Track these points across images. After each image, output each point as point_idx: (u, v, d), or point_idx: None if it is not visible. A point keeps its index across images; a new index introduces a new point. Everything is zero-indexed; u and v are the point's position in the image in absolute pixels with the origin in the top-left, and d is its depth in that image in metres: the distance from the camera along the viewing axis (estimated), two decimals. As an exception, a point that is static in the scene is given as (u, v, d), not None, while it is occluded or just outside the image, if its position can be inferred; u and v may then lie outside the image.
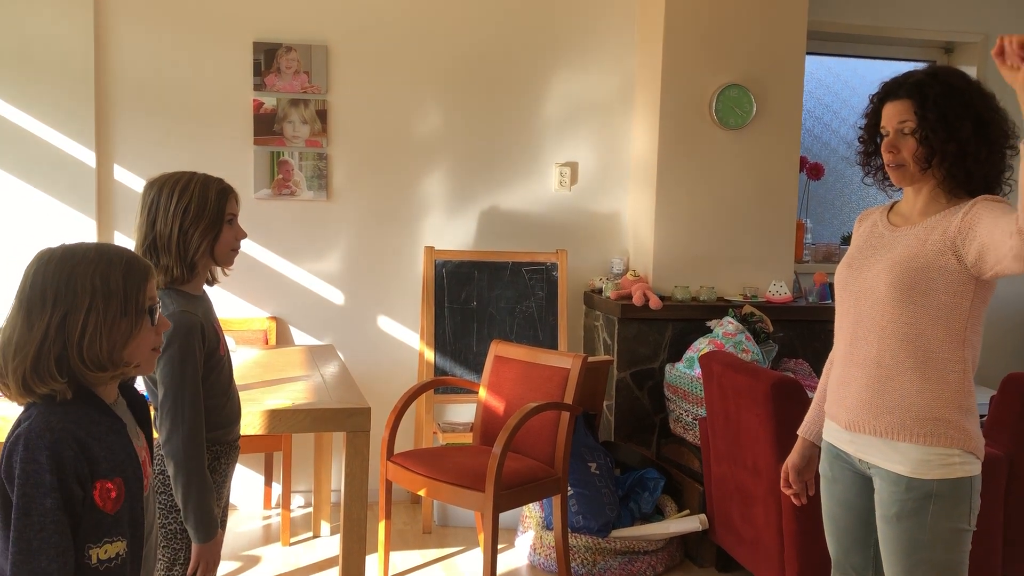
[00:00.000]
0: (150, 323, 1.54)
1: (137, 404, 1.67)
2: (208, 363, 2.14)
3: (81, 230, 3.95)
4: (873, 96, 2.08)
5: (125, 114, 4.04)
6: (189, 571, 2.05)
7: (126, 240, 4.03)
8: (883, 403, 1.99)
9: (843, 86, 4.96)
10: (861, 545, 2.14)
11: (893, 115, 2.00)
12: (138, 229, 2.19)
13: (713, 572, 3.66)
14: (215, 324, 2.23)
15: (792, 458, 2.30)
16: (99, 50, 3.98)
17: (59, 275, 1.47)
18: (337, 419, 2.81)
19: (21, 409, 1.52)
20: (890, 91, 2.03)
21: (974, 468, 1.96)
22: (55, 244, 1.54)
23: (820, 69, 4.89)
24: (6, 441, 1.47)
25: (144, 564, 1.59)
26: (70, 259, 1.49)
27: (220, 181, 2.23)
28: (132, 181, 4.05)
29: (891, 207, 2.14)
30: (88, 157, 3.96)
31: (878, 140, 2.07)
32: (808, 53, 4.39)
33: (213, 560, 2.06)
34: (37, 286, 1.47)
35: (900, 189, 2.10)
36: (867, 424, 2.02)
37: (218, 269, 2.28)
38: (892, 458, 1.98)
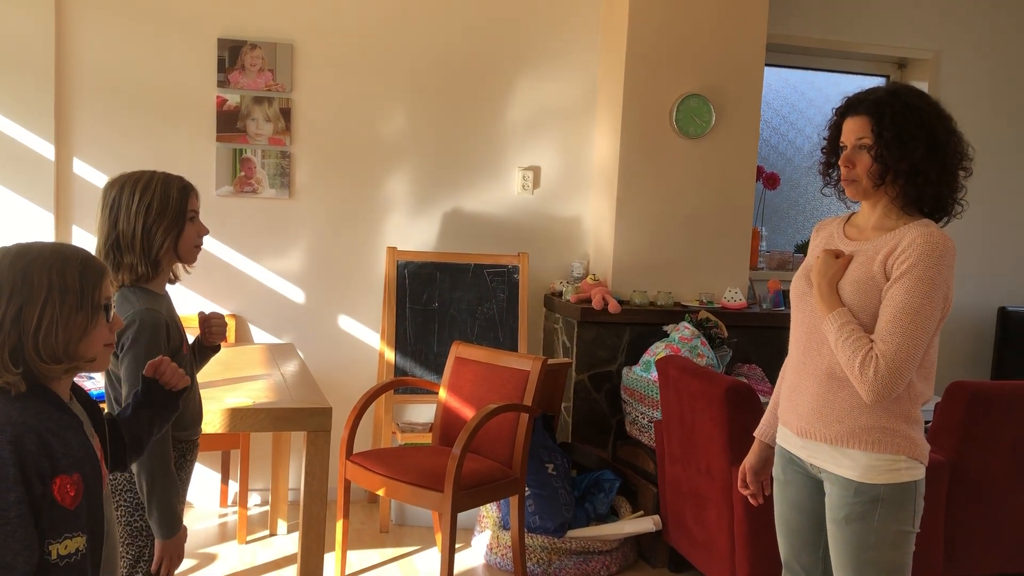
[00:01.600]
0: (105, 320, 1.56)
1: (89, 406, 1.68)
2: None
3: (39, 224, 3.91)
4: (835, 109, 2.15)
5: (85, 108, 4.00)
6: (153, 567, 2.06)
7: (84, 235, 4.00)
8: (833, 412, 2.07)
9: (800, 98, 5.08)
10: (811, 546, 2.21)
11: (852, 130, 2.07)
12: (99, 228, 2.20)
13: (666, 572, 3.73)
14: (178, 322, 2.24)
15: (749, 459, 2.38)
16: (60, 42, 3.94)
17: (15, 270, 1.50)
18: (298, 419, 2.83)
19: None
20: (851, 106, 2.10)
21: (918, 473, 2.05)
22: (10, 243, 1.56)
23: (778, 81, 4.99)
24: None
25: (106, 562, 1.60)
26: (26, 255, 1.52)
27: (181, 179, 2.25)
28: (92, 175, 4.01)
29: (848, 218, 2.22)
30: (47, 150, 3.92)
31: (839, 153, 2.14)
32: (767, 65, 4.48)
33: (177, 555, 2.07)
34: None
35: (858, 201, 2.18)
36: (818, 432, 2.09)
37: (180, 267, 2.30)
38: (842, 464, 2.06)
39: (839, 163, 2.11)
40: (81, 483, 1.51)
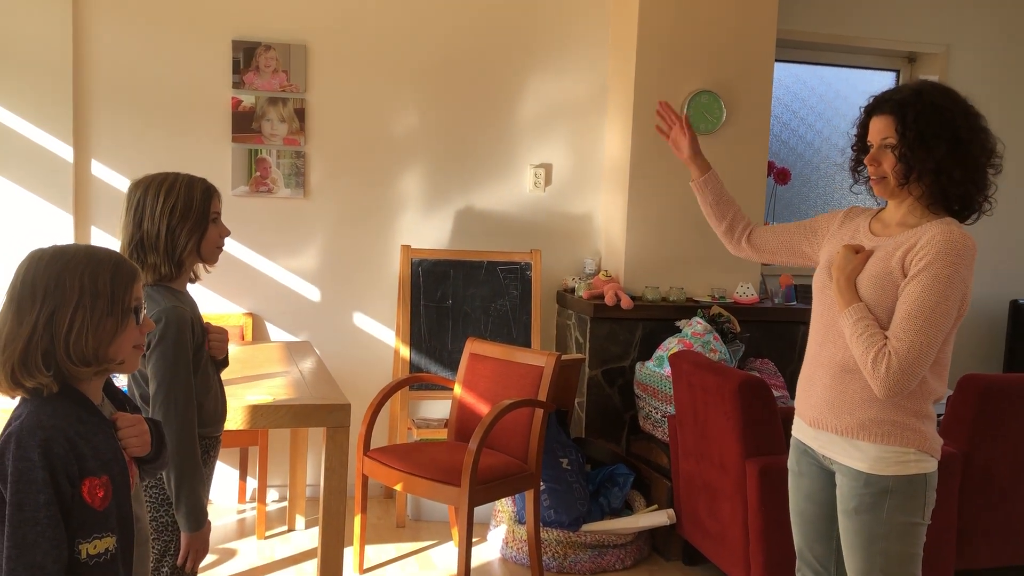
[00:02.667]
0: (135, 323, 1.60)
1: (121, 407, 1.71)
2: (196, 357, 2.19)
3: (58, 225, 3.96)
4: (863, 108, 2.17)
5: (103, 109, 4.05)
6: (179, 560, 2.10)
7: (103, 236, 4.05)
8: (844, 404, 2.10)
9: (810, 93, 5.09)
10: (824, 537, 2.24)
11: (877, 130, 2.09)
12: (124, 229, 2.24)
13: (680, 566, 3.76)
14: (201, 320, 2.28)
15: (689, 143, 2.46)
16: (78, 45, 3.99)
17: (49, 273, 1.53)
18: (318, 415, 2.87)
19: (13, 400, 1.57)
20: (876, 106, 2.12)
21: (929, 466, 2.07)
22: (46, 244, 1.60)
23: (788, 76, 5.01)
24: None
25: (138, 561, 1.64)
26: (60, 258, 1.55)
27: (204, 181, 2.29)
28: (110, 176, 4.07)
29: (876, 213, 2.22)
30: (66, 152, 3.97)
31: (868, 150, 2.15)
32: (777, 60, 4.50)
33: (203, 548, 2.12)
34: (28, 283, 1.53)
35: None
36: (829, 423, 2.12)
37: (200, 267, 2.34)
38: (852, 455, 2.09)
39: (866, 162, 2.13)
40: (110, 485, 1.54)
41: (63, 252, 1.57)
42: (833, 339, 2.13)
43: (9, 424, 1.52)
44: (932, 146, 2.01)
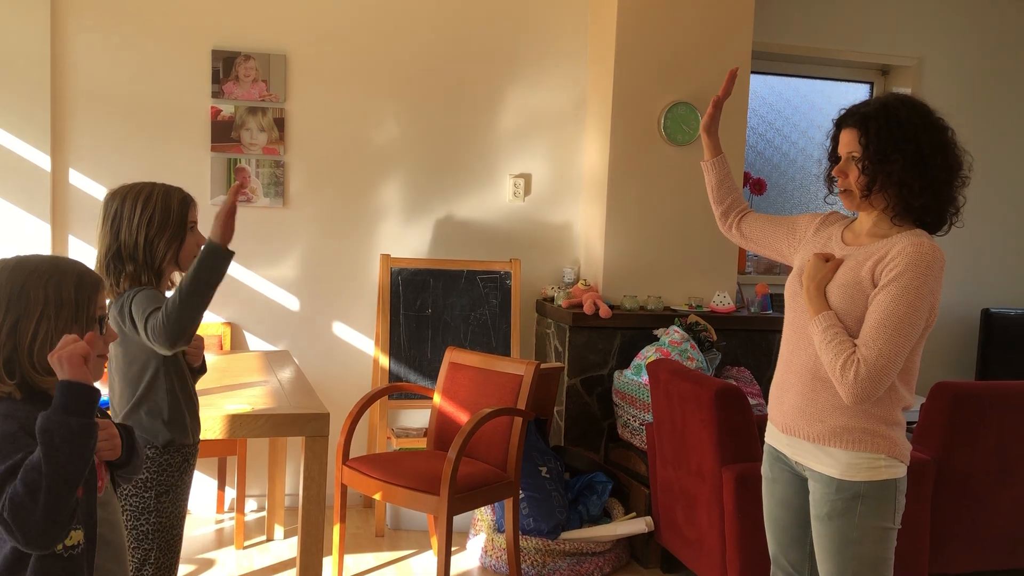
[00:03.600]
0: (99, 332, 1.61)
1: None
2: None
3: (36, 234, 3.94)
4: (834, 120, 2.21)
5: (82, 118, 4.04)
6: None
7: (81, 245, 4.04)
8: (815, 412, 2.13)
9: (785, 104, 5.15)
10: (798, 543, 2.27)
11: (845, 142, 2.14)
12: (100, 239, 2.25)
13: (658, 573, 3.78)
14: None
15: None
16: (56, 53, 3.98)
17: (12, 284, 1.55)
18: (297, 424, 2.87)
19: None
20: (844, 119, 2.16)
21: (899, 471, 2.11)
22: (10, 254, 1.62)
23: (763, 88, 5.07)
24: None
25: (99, 570, 1.63)
26: (24, 268, 1.57)
27: (180, 190, 2.30)
28: (88, 186, 4.06)
29: (849, 223, 2.25)
30: (43, 161, 3.96)
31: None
32: (752, 72, 4.56)
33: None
34: None
35: None
36: (801, 430, 2.16)
37: (177, 274, 2.35)
38: (824, 461, 2.12)
39: (833, 173, 2.17)
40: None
41: (27, 262, 1.59)
42: (804, 346, 2.17)
43: None
44: (892, 159, 2.05)
